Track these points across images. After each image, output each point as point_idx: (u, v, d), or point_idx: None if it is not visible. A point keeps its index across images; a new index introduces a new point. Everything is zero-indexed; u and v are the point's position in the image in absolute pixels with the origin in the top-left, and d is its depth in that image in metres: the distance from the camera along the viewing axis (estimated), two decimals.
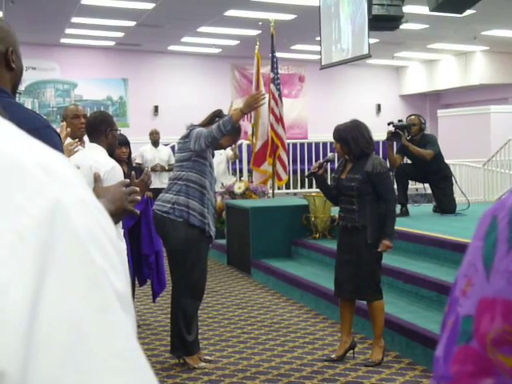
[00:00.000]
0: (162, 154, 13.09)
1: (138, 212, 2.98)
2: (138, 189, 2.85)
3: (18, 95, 3.06)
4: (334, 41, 12.56)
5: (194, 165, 6.23)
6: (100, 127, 5.45)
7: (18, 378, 0.58)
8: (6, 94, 2.83)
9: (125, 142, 7.36)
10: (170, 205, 6.24)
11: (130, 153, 7.71)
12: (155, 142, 13.16)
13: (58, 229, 0.62)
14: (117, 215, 2.78)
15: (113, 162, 5.21)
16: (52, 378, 0.59)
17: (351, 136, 6.29)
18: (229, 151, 13.17)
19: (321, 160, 6.95)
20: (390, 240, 6.18)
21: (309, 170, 6.71)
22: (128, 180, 2.95)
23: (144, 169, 10.95)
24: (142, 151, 13.11)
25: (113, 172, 5.00)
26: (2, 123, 0.69)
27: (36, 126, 2.75)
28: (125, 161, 7.36)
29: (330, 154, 7.22)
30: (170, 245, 6.31)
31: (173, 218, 6.21)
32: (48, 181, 0.64)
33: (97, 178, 2.99)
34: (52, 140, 2.78)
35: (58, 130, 4.11)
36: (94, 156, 5.23)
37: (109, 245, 0.66)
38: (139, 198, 2.85)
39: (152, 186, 6.59)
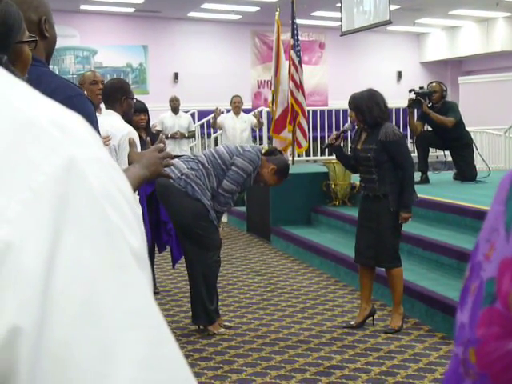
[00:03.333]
0: (182, 121, 13.05)
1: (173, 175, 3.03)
2: (171, 154, 2.87)
3: None
4: (356, 2, 12.45)
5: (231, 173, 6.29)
6: (116, 94, 5.46)
7: (34, 335, 0.58)
8: (41, 62, 2.84)
9: (143, 109, 7.31)
10: (179, 174, 6.23)
11: (148, 120, 7.68)
12: (175, 109, 13.12)
13: (73, 186, 0.62)
14: (151, 179, 2.81)
15: (129, 127, 5.22)
16: (67, 334, 0.59)
17: (366, 105, 6.25)
18: (253, 119, 13.12)
19: (338, 130, 6.92)
20: (407, 211, 6.17)
21: (329, 137, 6.70)
22: (162, 145, 2.95)
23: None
24: (161, 118, 13.08)
25: (129, 136, 4.99)
26: (18, 83, 0.68)
27: (69, 95, 2.76)
28: (143, 128, 7.33)
29: (346, 125, 7.21)
30: (172, 211, 6.34)
31: (177, 187, 6.20)
32: (63, 138, 0.64)
33: (132, 143, 2.99)
34: (85, 108, 2.78)
35: None
36: (110, 121, 5.24)
37: (124, 203, 0.66)
38: (173, 162, 2.88)
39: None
